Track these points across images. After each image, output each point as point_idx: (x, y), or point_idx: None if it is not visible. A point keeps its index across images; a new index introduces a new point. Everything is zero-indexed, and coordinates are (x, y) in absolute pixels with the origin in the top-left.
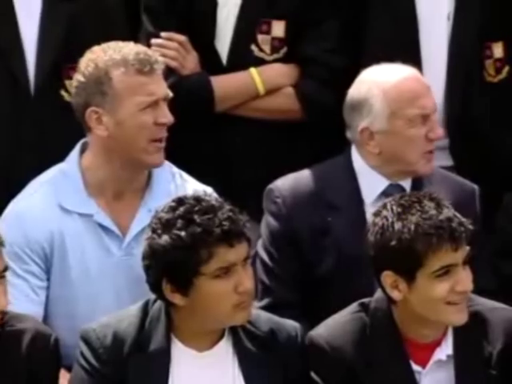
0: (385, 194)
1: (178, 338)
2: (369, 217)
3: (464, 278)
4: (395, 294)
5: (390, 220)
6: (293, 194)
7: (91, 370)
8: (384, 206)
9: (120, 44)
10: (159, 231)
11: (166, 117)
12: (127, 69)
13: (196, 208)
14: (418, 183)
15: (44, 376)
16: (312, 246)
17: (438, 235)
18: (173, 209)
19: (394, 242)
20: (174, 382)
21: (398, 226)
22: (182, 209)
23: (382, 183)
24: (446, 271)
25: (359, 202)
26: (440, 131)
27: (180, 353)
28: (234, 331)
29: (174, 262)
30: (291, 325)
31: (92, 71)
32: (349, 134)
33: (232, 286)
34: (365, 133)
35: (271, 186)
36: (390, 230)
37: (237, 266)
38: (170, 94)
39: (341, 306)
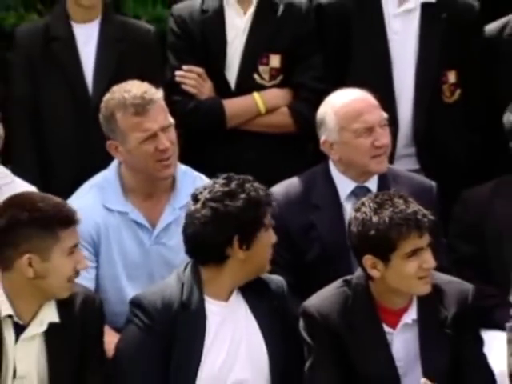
0: (353, 193)
1: (207, 295)
2: (344, 213)
3: (428, 258)
4: (374, 273)
5: (369, 215)
6: (284, 197)
7: (145, 328)
8: (362, 204)
9: (127, 86)
10: (226, 199)
11: (164, 144)
12: (125, 112)
13: (239, 180)
14: (383, 183)
15: (93, 329)
16: (301, 238)
17: (407, 225)
18: (226, 184)
19: (372, 232)
20: (209, 332)
21: (375, 219)
22: (233, 183)
23: (351, 185)
24: (414, 253)
25: (337, 201)
26: (384, 140)
27: (210, 305)
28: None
29: (249, 219)
30: (277, 278)
31: (104, 112)
32: (320, 147)
33: (272, 238)
34: (326, 144)
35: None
36: (369, 223)
37: (265, 225)
38: (171, 121)
39: (326, 285)
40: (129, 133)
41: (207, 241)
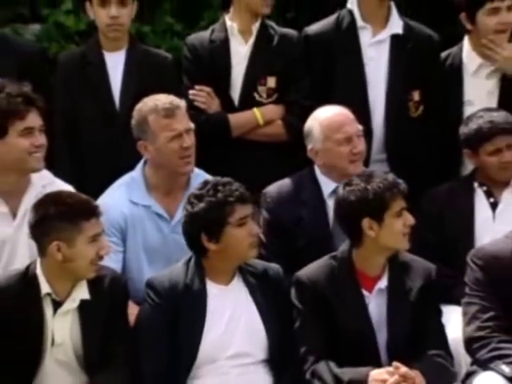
0: (334, 192)
1: (209, 279)
2: (327, 208)
3: (410, 217)
4: (371, 233)
5: (363, 185)
6: (278, 194)
7: (154, 305)
8: (347, 183)
9: (157, 96)
10: (195, 202)
11: (187, 142)
12: (157, 115)
13: (217, 184)
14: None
15: (119, 303)
16: (291, 229)
17: (395, 188)
18: (200, 188)
19: (371, 196)
20: (210, 309)
21: (369, 186)
22: (207, 187)
23: (332, 185)
24: (401, 212)
25: (321, 198)
26: (360, 148)
27: (211, 288)
28: (241, 271)
29: (211, 218)
30: (275, 265)
31: (137, 117)
32: (307, 153)
33: (247, 231)
34: (312, 151)
35: (264, 190)
36: (366, 190)
37: (248, 218)
38: (192, 126)
39: None
40: (159, 132)
41: (186, 237)
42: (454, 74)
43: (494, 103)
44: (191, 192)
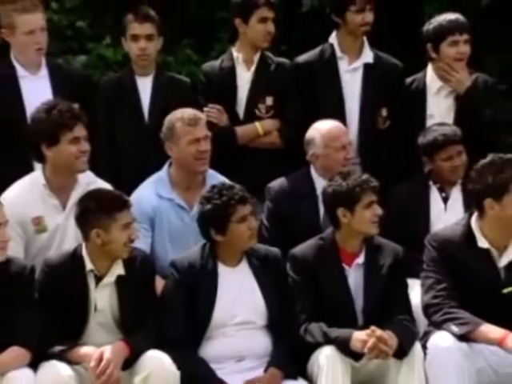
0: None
1: (220, 262)
2: (319, 203)
3: (378, 209)
4: (344, 220)
5: (339, 181)
6: (280, 189)
7: (176, 281)
8: (330, 179)
9: (184, 109)
10: (205, 203)
11: (204, 147)
12: (183, 123)
13: (222, 188)
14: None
15: (148, 278)
16: (290, 219)
17: (366, 185)
18: (209, 191)
19: (344, 190)
20: (220, 286)
21: (345, 183)
22: (214, 190)
23: (324, 183)
24: (370, 204)
25: (314, 194)
26: (351, 154)
27: (222, 269)
28: (247, 254)
29: (217, 217)
30: (275, 249)
31: (167, 124)
32: (307, 157)
33: (247, 226)
34: (313, 156)
35: (268, 185)
36: (341, 185)
37: (248, 215)
38: (209, 134)
39: None
40: (182, 137)
41: (199, 229)
42: (419, 93)
43: (451, 116)
44: (202, 194)
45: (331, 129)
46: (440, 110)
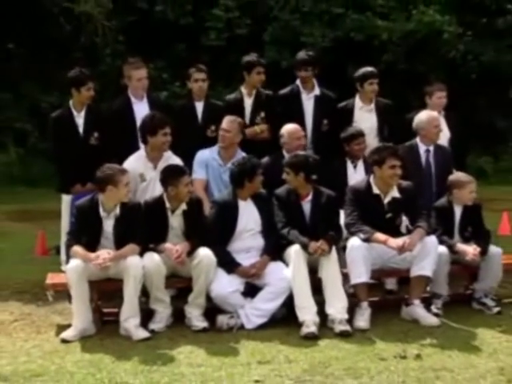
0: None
1: (239, 199)
2: None
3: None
4: (288, 178)
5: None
6: (269, 162)
7: (215, 210)
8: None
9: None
10: (238, 164)
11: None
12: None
13: (249, 157)
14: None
15: (199, 210)
16: (275, 182)
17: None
18: (242, 159)
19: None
20: (240, 212)
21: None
22: (245, 159)
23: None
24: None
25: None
26: (304, 142)
27: (239, 202)
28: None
29: (242, 175)
30: (265, 192)
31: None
32: (280, 144)
33: (259, 180)
34: (283, 144)
35: (262, 160)
36: (297, 156)
37: (259, 175)
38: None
39: None
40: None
41: (233, 178)
42: (349, 110)
43: (371, 123)
44: (237, 159)
45: (292, 128)
46: (362, 120)
